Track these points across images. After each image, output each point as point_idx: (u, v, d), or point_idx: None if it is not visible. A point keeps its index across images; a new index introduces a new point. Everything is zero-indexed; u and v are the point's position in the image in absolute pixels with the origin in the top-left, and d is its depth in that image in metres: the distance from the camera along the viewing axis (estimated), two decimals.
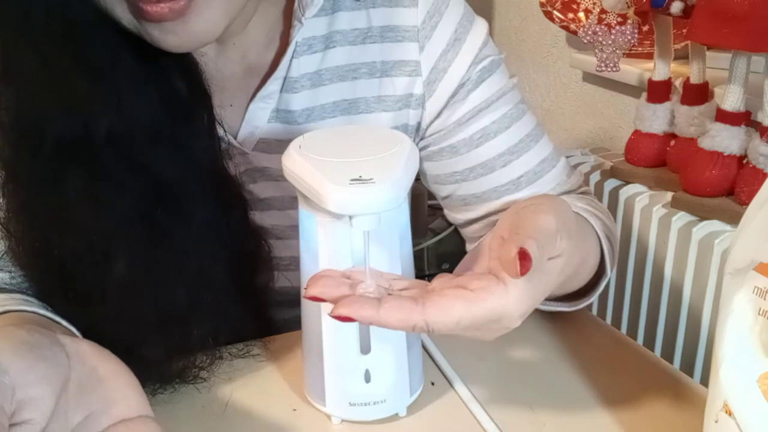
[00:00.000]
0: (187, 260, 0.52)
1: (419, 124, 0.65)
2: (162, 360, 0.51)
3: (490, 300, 0.41)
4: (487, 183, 0.65)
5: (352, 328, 0.48)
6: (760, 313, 0.38)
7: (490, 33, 0.66)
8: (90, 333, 0.50)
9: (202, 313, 0.53)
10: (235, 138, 0.63)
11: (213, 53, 0.61)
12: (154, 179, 0.51)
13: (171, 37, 0.50)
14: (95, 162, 0.49)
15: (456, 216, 0.69)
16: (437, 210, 1.77)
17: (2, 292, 0.53)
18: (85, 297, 0.50)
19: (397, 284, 0.45)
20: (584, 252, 0.54)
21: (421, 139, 0.66)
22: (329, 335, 0.49)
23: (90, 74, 0.49)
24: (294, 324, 0.59)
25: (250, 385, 0.55)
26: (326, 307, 0.48)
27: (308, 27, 0.61)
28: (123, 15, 0.50)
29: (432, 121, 0.65)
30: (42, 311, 0.50)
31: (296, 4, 0.60)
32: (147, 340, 0.50)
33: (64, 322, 0.50)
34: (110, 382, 0.40)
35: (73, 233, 0.49)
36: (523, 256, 0.40)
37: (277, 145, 0.63)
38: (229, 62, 0.62)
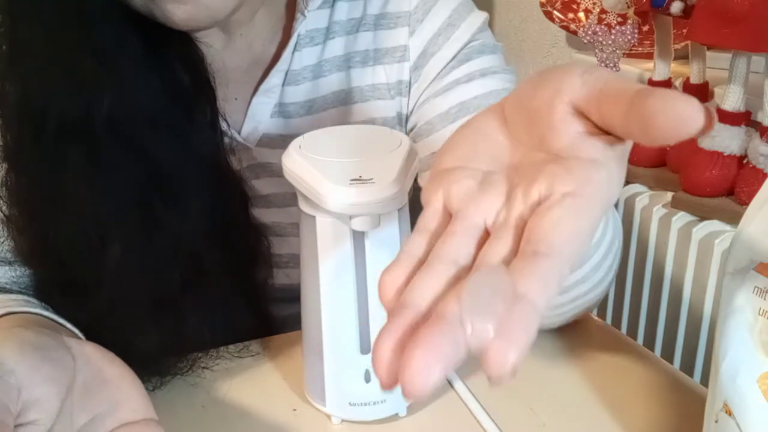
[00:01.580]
0: (182, 248, 0.52)
1: (408, 110, 0.65)
2: (159, 352, 0.51)
3: (600, 196, 0.29)
4: None
5: (352, 328, 0.48)
6: (760, 313, 0.38)
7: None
8: (88, 329, 0.50)
9: (196, 302, 0.53)
10: (239, 133, 0.63)
11: (219, 45, 0.61)
12: (152, 165, 0.51)
13: (182, 9, 0.50)
14: (95, 145, 0.49)
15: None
16: None
17: (3, 293, 0.53)
18: (81, 285, 0.50)
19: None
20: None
21: (406, 123, 0.66)
22: (329, 335, 0.49)
23: (95, 56, 0.49)
24: (293, 320, 0.59)
25: (250, 385, 0.55)
26: (326, 307, 0.48)
27: (311, 19, 0.62)
28: None
29: (414, 104, 0.64)
30: (45, 313, 0.50)
31: None
32: (142, 329, 0.50)
33: (68, 324, 0.50)
34: (115, 385, 0.40)
35: (70, 217, 0.49)
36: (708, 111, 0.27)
37: (281, 140, 0.63)
38: (235, 54, 0.62)
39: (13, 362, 0.36)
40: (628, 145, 0.31)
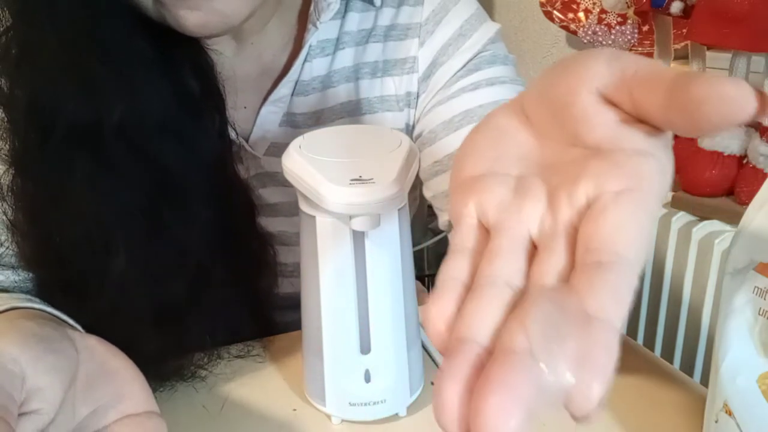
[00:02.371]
0: (187, 256, 0.52)
1: (414, 121, 0.65)
2: (159, 357, 0.51)
3: (658, 190, 0.26)
4: None
5: (352, 328, 0.48)
6: (760, 313, 0.38)
7: None
8: (89, 332, 0.50)
9: (200, 309, 0.53)
10: (247, 141, 0.63)
11: (230, 52, 0.61)
12: (160, 172, 0.51)
13: (195, 15, 0.49)
14: (103, 151, 0.49)
15: (444, 220, 0.65)
16: None
17: (4, 292, 0.53)
18: (83, 289, 0.50)
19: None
20: None
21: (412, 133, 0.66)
22: (329, 335, 0.49)
23: (106, 60, 0.49)
24: (296, 327, 0.59)
25: (250, 385, 0.55)
26: (326, 307, 0.48)
27: (323, 30, 0.61)
28: (148, 1, 0.49)
29: (420, 114, 0.64)
30: (48, 309, 0.50)
31: (312, 7, 0.60)
32: (144, 335, 0.50)
33: (70, 320, 0.50)
34: (118, 378, 0.40)
35: (75, 222, 0.49)
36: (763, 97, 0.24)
37: None
38: (245, 62, 0.62)
39: (17, 351, 0.37)
40: (670, 133, 0.27)
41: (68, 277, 0.50)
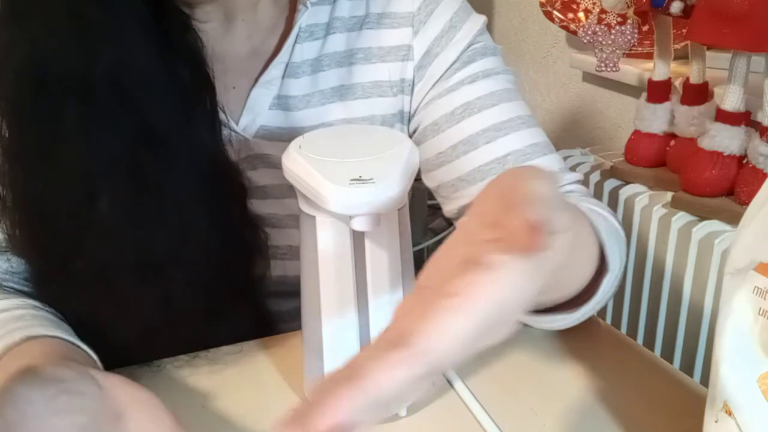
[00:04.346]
0: (171, 214, 0.52)
1: (411, 109, 0.66)
2: (150, 325, 0.52)
3: (484, 298, 0.30)
4: (471, 162, 0.62)
5: (352, 327, 0.48)
6: (760, 313, 0.38)
7: (490, 33, 0.67)
8: (80, 312, 0.50)
9: (185, 274, 0.53)
10: (237, 124, 0.64)
11: (220, 31, 0.61)
12: (146, 127, 0.51)
13: None
14: (90, 101, 0.49)
15: (449, 208, 0.66)
16: (437, 210, 1.77)
17: (6, 299, 0.53)
18: (68, 245, 0.50)
19: None
20: (578, 238, 0.45)
21: (410, 122, 0.67)
22: (329, 335, 0.49)
23: (101, 10, 0.49)
24: (289, 316, 0.59)
25: (250, 384, 0.55)
26: (326, 307, 0.48)
27: (312, 13, 0.63)
28: None
29: (419, 104, 0.65)
30: (64, 335, 0.50)
31: None
32: (129, 301, 0.50)
33: (83, 345, 0.50)
34: (143, 415, 0.41)
35: (60, 171, 0.49)
36: (534, 229, 0.30)
37: (278, 131, 0.64)
38: (234, 42, 0.63)
39: (33, 393, 0.37)
40: (544, 262, 0.31)
41: (52, 233, 0.50)
